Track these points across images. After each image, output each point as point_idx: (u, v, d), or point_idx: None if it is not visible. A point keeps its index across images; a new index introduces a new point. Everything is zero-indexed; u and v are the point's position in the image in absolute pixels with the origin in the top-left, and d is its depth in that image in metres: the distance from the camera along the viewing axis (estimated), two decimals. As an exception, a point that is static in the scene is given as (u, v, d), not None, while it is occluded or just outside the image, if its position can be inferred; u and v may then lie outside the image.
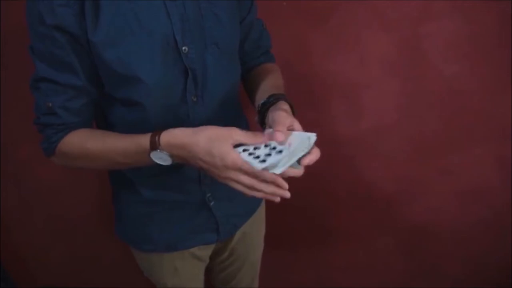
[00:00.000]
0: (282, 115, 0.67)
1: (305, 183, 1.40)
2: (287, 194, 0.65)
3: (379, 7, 1.11)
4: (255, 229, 1.05)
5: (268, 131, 0.66)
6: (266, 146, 0.65)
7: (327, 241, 1.51)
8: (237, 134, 0.64)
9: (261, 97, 0.79)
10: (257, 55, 0.92)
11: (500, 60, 1.12)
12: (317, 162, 1.42)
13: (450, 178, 1.30)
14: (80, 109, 0.72)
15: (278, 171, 0.61)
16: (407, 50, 1.16)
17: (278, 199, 0.66)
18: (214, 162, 0.63)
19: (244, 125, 0.93)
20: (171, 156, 0.67)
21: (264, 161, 0.62)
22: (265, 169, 0.61)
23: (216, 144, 0.62)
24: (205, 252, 0.97)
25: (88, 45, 0.66)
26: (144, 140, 0.67)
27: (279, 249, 1.56)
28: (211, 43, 0.73)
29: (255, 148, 0.64)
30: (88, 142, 0.72)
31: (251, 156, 0.63)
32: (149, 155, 0.67)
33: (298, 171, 0.66)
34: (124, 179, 0.83)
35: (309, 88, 1.25)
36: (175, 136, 0.66)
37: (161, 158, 0.67)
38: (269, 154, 0.63)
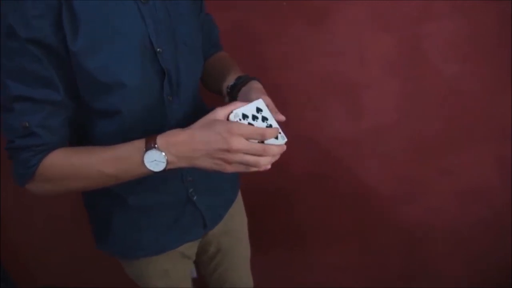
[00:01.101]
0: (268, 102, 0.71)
1: (305, 183, 1.40)
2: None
3: (379, 7, 1.11)
4: (236, 221, 1.07)
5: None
6: (263, 120, 0.68)
7: (327, 241, 1.51)
8: (220, 109, 0.66)
9: (227, 80, 0.83)
10: (209, 47, 0.95)
11: (500, 60, 1.12)
12: (317, 162, 1.43)
13: (450, 178, 1.30)
14: (59, 126, 0.68)
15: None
16: (407, 50, 1.16)
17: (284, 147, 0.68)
18: (217, 139, 0.63)
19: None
20: (167, 156, 0.65)
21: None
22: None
23: (212, 124, 0.64)
24: (192, 250, 0.98)
25: (67, 56, 0.63)
26: (138, 142, 0.67)
27: (278, 249, 1.56)
28: (180, 42, 0.75)
29: (253, 119, 0.67)
30: (73, 158, 0.68)
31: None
32: (143, 157, 0.65)
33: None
34: (109, 192, 0.80)
35: (309, 88, 1.25)
36: (171, 134, 0.66)
37: (155, 160, 0.65)
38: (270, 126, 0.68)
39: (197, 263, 1.11)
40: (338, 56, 1.19)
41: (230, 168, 0.65)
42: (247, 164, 0.65)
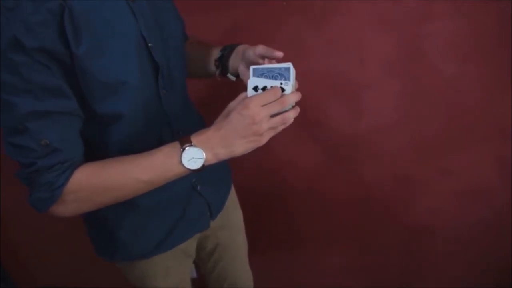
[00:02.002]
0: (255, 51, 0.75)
1: (305, 183, 1.40)
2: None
3: (379, 7, 1.11)
4: (232, 215, 1.08)
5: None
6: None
7: (327, 240, 1.51)
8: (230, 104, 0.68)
9: (212, 56, 0.87)
10: None
11: (500, 60, 1.12)
12: (317, 162, 1.42)
13: (450, 178, 1.30)
14: (77, 139, 0.66)
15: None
16: (407, 50, 1.16)
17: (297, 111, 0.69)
18: (239, 119, 0.64)
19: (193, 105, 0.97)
20: (205, 153, 0.66)
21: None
22: None
23: (227, 113, 0.67)
24: (192, 246, 0.99)
25: (71, 61, 0.61)
26: (171, 144, 0.67)
27: (278, 249, 1.56)
28: (167, 37, 0.76)
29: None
30: (107, 169, 0.66)
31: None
32: (180, 157, 0.65)
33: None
34: None
35: (309, 88, 1.24)
36: (199, 132, 0.67)
37: (193, 158, 0.65)
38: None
39: (196, 263, 1.11)
40: (338, 56, 1.19)
41: (263, 139, 0.66)
42: (275, 127, 0.67)
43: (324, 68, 1.21)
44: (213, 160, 0.67)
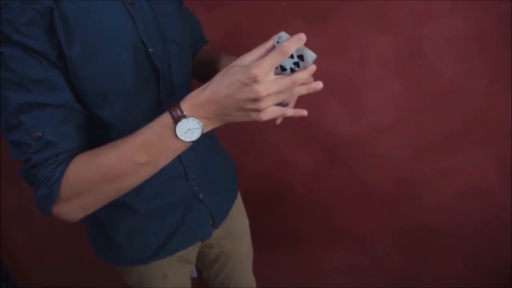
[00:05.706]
0: None
1: (305, 183, 1.40)
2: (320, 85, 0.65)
3: (379, 7, 1.11)
4: (237, 223, 1.07)
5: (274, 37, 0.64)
6: (290, 57, 0.61)
7: (327, 241, 1.51)
8: (246, 55, 0.60)
9: (222, 67, 0.83)
10: (196, 41, 0.95)
11: (500, 60, 1.12)
12: (317, 162, 1.42)
13: (450, 178, 1.30)
14: (74, 132, 0.63)
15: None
16: (407, 50, 1.16)
17: (320, 85, 0.65)
18: (242, 89, 0.56)
19: None
20: (199, 121, 0.59)
21: (294, 70, 0.61)
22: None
23: (231, 72, 0.58)
24: (191, 254, 0.98)
25: (63, 63, 0.60)
26: (163, 118, 0.60)
27: (278, 249, 1.56)
28: (169, 41, 0.74)
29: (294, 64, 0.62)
30: (97, 157, 0.62)
31: (278, 70, 0.61)
32: (175, 132, 0.59)
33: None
34: (114, 202, 0.73)
35: (309, 88, 1.25)
36: (193, 96, 0.60)
37: (189, 130, 0.59)
38: (296, 63, 0.61)
39: (197, 265, 1.11)
40: (338, 56, 1.19)
41: (265, 116, 0.59)
42: (281, 103, 0.60)
43: (324, 68, 1.21)
44: (209, 127, 0.61)
